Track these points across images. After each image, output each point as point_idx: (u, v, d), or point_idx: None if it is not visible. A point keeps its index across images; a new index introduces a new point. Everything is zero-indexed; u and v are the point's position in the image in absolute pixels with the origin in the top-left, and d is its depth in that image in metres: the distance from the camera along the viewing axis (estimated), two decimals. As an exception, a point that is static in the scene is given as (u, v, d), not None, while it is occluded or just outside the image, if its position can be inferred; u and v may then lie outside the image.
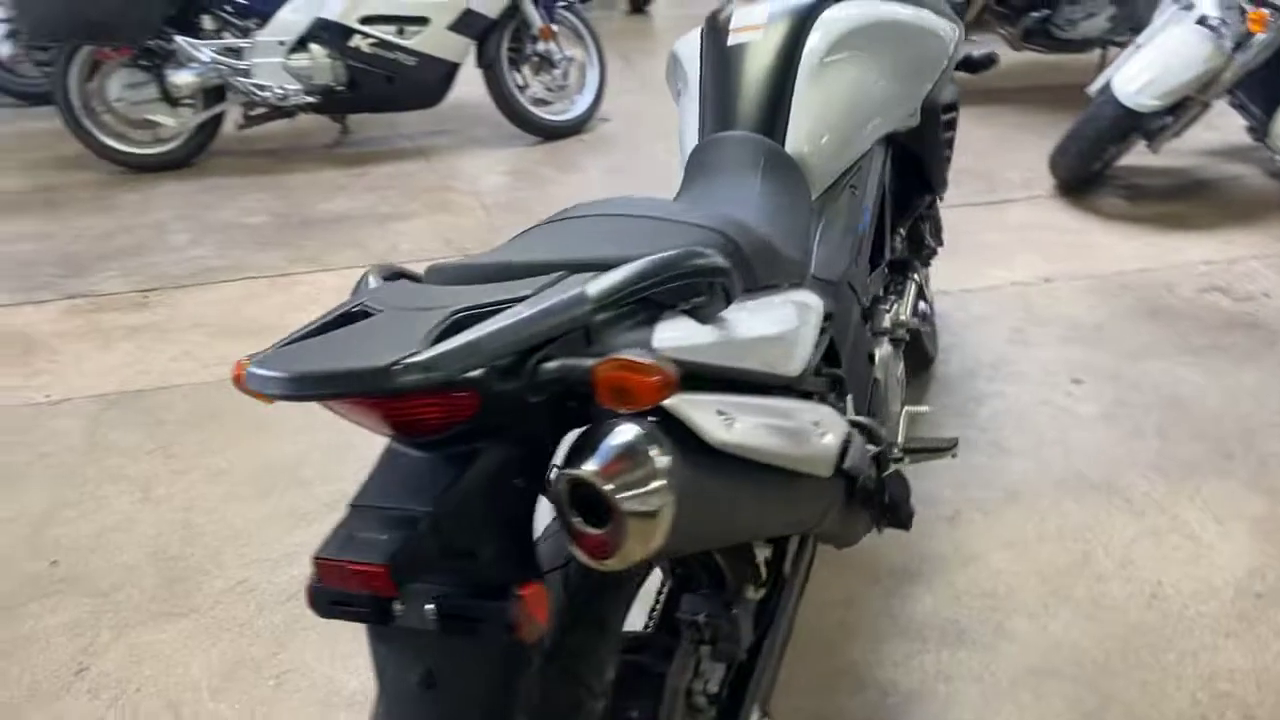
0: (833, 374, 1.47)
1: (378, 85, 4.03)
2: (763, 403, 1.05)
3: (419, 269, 1.07)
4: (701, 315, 1.02)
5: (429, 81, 4.11)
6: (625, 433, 0.86)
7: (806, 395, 1.36)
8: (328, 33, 3.93)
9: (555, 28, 4.26)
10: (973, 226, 3.49)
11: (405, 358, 0.75)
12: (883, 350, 1.72)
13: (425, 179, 4.08)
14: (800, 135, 1.56)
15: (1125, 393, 2.49)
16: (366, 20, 3.94)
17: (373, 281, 1.02)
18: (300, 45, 3.94)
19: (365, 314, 0.90)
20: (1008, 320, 2.85)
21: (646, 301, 0.99)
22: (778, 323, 1.18)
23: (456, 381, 0.80)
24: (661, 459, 0.86)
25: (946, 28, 1.89)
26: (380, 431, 0.87)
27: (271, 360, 0.79)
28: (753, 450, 0.98)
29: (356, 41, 3.94)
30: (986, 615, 1.82)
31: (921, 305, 2.53)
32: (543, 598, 0.86)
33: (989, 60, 2.12)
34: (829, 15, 1.64)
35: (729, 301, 1.03)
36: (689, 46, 1.73)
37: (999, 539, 2.01)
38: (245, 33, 3.94)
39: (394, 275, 1.04)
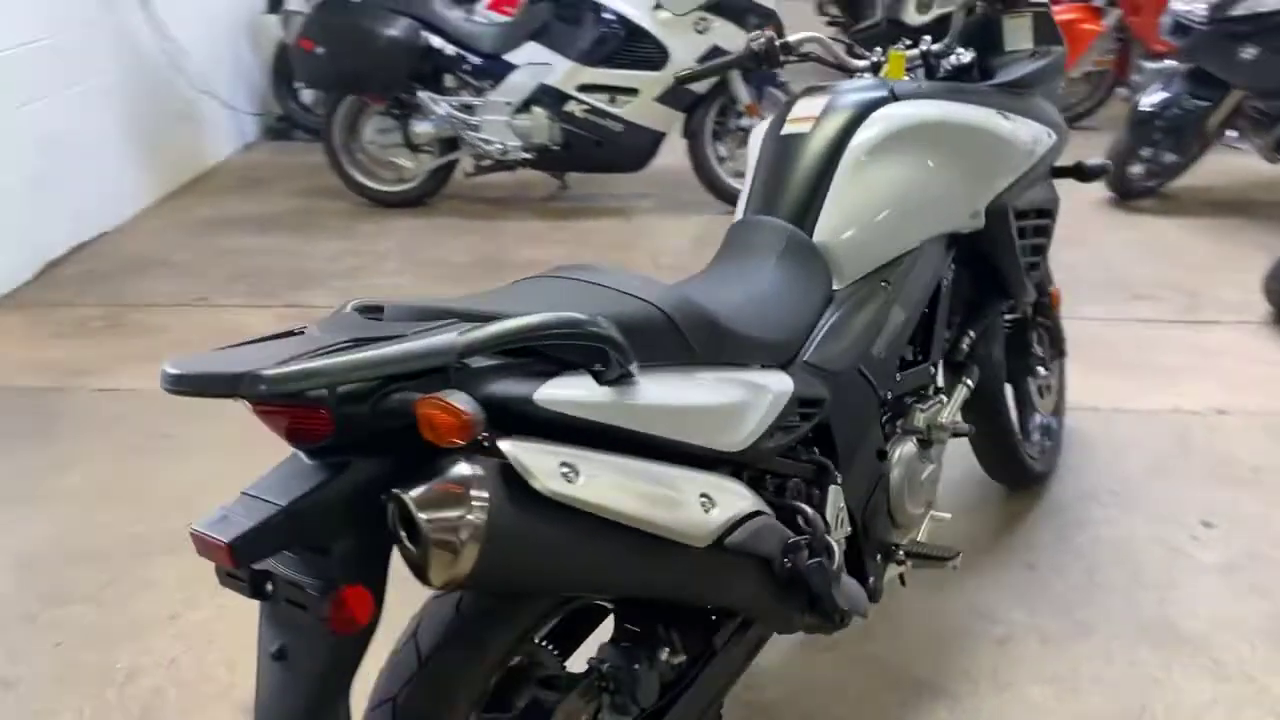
0: (814, 460, 1.49)
1: (588, 148, 4.35)
2: (631, 464, 1.11)
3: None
4: (605, 379, 1.11)
5: (635, 147, 4.38)
6: (455, 468, 0.97)
7: (762, 474, 1.39)
8: (548, 97, 4.30)
9: (763, 104, 4.41)
10: (1157, 344, 3.24)
11: (255, 370, 0.90)
12: (904, 448, 1.69)
13: (617, 236, 4.34)
14: (830, 226, 1.60)
15: (1261, 546, 2.23)
16: (583, 88, 4.28)
17: (348, 309, 1.20)
18: (524, 106, 4.34)
19: (301, 334, 1.08)
20: (1154, 447, 2.63)
21: (545, 358, 1.10)
22: (710, 396, 1.24)
23: (308, 398, 0.95)
24: (479, 498, 0.96)
25: (1032, 133, 1.84)
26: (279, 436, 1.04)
27: (181, 360, 0.97)
28: (595, 506, 1.05)
29: (572, 107, 4.29)
30: (1001, 747, 1.72)
31: (1041, 418, 2.41)
32: (364, 601, 0.98)
33: (1099, 170, 2.03)
34: (884, 112, 1.67)
35: (622, 370, 1.11)
36: (758, 131, 1.81)
37: (1048, 672, 1.89)
38: (480, 92, 4.40)
39: (367, 308, 1.21)
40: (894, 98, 1.70)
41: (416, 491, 0.95)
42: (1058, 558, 2.21)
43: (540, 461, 1.01)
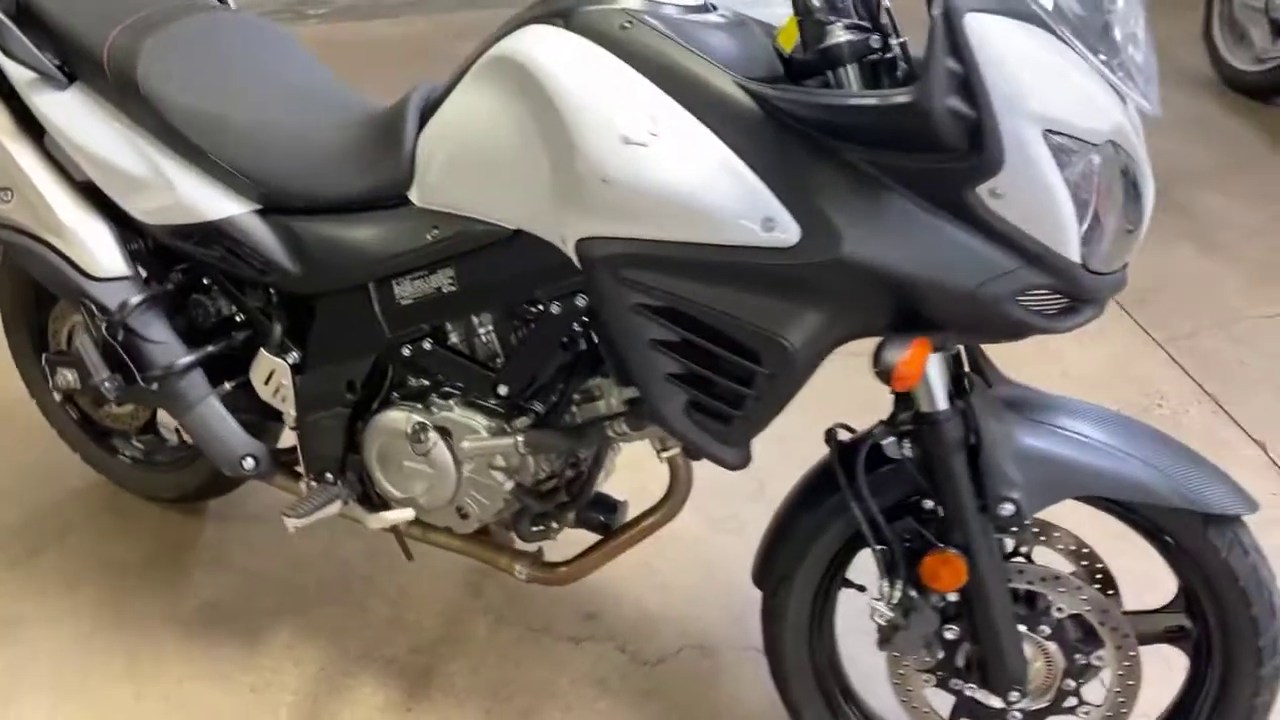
0: (266, 310, 1.53)
1: None
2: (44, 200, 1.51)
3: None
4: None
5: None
6: None
7: (183, 260, 1.58)
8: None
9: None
10: None
11: None
12: (395, 413, 1.45)
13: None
14: (435, 129, 1.30)
15: None
16: None
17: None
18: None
19: None
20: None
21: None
22: (109, 151, 1.47)
23: None
24: None
25: (729, 193, 1.06)
26: None
27: None
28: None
29: None
30: None
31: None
32: None
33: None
34: (529, 31, 1.15)
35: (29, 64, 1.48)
36: None
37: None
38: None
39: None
40: (567, 20, 1.13)
41: None
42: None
43: None
